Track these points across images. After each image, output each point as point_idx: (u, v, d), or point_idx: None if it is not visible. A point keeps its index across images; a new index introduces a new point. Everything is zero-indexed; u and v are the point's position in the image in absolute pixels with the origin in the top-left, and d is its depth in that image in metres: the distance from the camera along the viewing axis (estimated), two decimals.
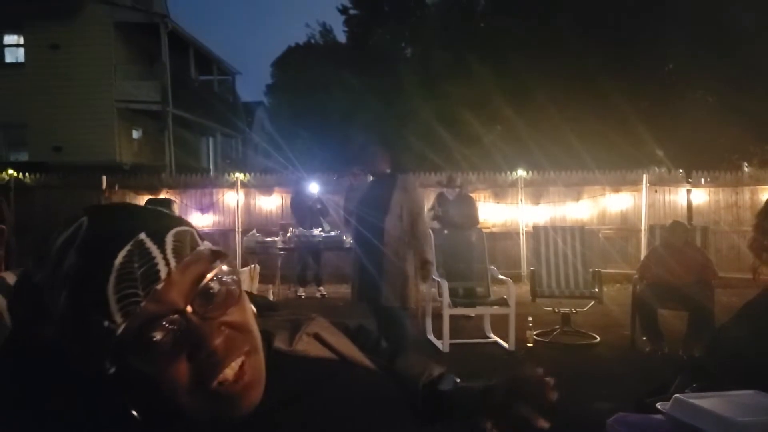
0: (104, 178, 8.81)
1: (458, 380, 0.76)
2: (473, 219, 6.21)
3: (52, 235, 0.55)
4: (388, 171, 3.60)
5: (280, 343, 0.66)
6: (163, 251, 0.52)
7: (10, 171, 9.11)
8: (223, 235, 8.80)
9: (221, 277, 0.55)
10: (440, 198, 6.34)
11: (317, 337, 0.70)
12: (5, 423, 0.54)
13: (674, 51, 11.56)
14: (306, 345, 0.68)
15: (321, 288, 7.17)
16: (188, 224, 0.57)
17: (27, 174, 9.19)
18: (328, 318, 0.77)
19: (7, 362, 0.57)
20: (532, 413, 0.67)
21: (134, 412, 0.53)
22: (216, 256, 0.56)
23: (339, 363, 0.69)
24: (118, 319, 0.50)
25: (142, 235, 0.52)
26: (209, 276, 0.54)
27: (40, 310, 0.53)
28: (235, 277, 0.57)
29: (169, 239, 0.53)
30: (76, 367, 0.52)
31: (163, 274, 0.52)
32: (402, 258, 3.49)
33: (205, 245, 0.57)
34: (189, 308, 0.52)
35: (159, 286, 0.51)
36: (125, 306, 0.50)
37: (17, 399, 0.54)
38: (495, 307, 4.94)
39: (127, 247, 0.51)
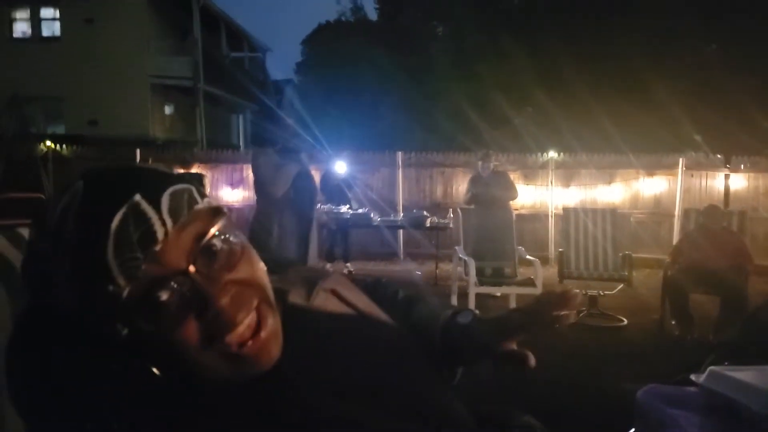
0: (138, 151, 9.00)
1: (477, 312, 0.75)
2: (512, 193, 6.08)
3: (52, 201, 0.54)
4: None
5: (296, 299, 0.66)
6: (158, 212, 0.52)
7: (48, 143, 9.34)
8: (252, 210, 8.92)
9: (223, 235, 0.54)
10: (474, 180, 6.24)
11: (334, 293, 0.69)
12: (41, 396, 0.54)
13: (716, 30, 11.12)
14: (324, 300, 0.68)
15: (348, 264, 7.25)
16: (188, 181, 0.56)
17: (64, 146, 9.41)
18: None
19: (31, 333, 0.57)
20: (522, 351, 0.67)
21: (155, 370, 0.54)
22: (216, 213, 0.55)
23: (357, 317, 0.69)
24: (122, 282, 0.50)
25: (137, 197, 0.52)
26: (210, 234, 0.53)
27: (48, 279, 0.53)
28: (238, 233, 0.56)
29: (165, 200, 0.53)
30: (93, 332, 0.53)
31: (160, 235, 0.51)
32: None
33: (205, 202, 0.56)
34: (192, 268, 0.52)
35: (157, 248, 0.51)
36: (127, 270, 0.50)
37: (45, 371, 0.54)
38: (521, 287, 4.92)
39: (123, 210, 0.51)
